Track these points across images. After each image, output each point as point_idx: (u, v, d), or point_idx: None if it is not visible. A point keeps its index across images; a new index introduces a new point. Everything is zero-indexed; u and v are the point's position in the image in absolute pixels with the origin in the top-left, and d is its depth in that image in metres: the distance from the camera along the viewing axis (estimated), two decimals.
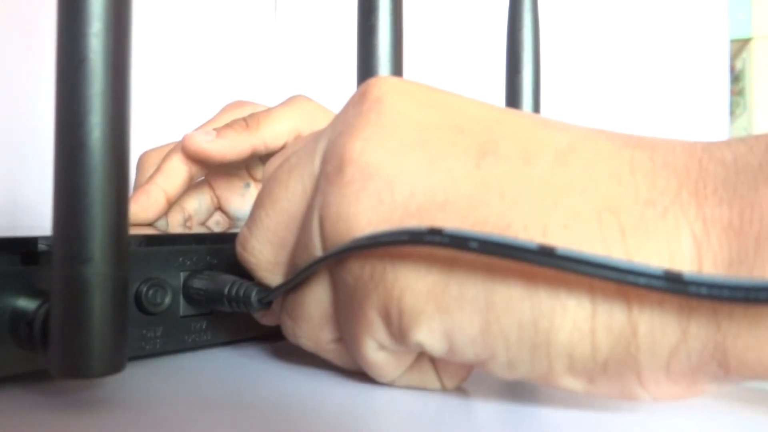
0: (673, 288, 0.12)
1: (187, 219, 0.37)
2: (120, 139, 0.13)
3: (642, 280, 0.12)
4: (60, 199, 0.13)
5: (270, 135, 0.34)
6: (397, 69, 0.22)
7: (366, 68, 0.22)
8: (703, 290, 0.12)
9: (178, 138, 0.35)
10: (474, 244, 0.13)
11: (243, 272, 0.21)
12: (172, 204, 0.34)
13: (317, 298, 0.17)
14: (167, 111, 0.49)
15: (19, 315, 0.15)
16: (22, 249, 0.17)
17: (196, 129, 0.35)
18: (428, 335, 0.15)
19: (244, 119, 0.35)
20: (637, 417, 0.16)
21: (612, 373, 0.14)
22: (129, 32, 0.13)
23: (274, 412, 0.16)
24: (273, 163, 0.20)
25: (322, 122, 0.35)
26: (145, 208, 0.32)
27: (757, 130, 1.06)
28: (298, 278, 0.17)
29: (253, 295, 0.18)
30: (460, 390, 0.18)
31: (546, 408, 0.16)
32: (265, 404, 0.16)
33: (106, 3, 0.13)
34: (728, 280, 0.12)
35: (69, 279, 0.13)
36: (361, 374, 0.18)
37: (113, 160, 0.13)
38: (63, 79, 0.13)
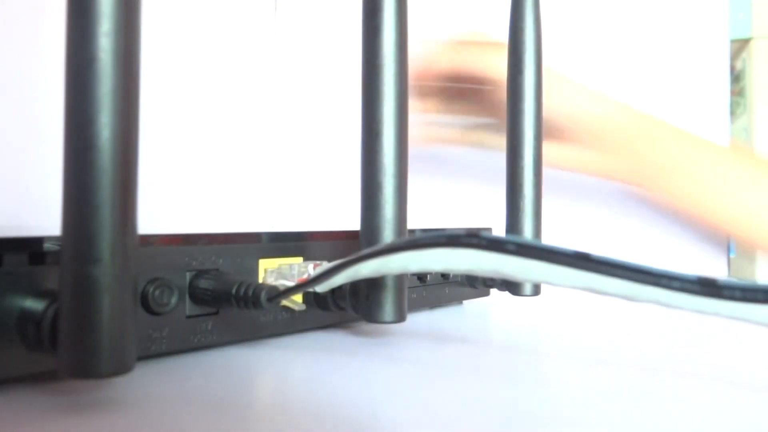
0: (707, 292, 0.12)
1: None
2: (130, 139, 0.13)
3: (675, 284, 0.12)
4: (70, 199, 0.13)
5: None
6: (402, 70, 0.22)
7: (370, 69, 0.22)
8: (737, 294, 0.12)
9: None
10: (511, 247, 0.13)
11: (248, 273, 0.21)
12: None
13: None
14: (165, 111, 0.49)
15: (26, 315, 0.15)
16: (29, 249, 0.17)
17: None
18: None
19: None
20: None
21: None
22: (138, 31, 0.13)
23: (281, 413, 0.16)
24: None
25: None
26: None
27: (757, 130, 1.06)
28: (317, 279, 0.17)
29: (263, 295, 0.18)
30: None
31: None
32: (271, 404, 0.16)
33: (116, 2, 0.13)
34: (760, 285, 0.12)
35: (79, 279, 0.13)
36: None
37: (123, 160, 0.13)
38: (73, 78, 0.13)
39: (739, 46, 1.06)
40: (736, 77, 1.09)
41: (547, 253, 0.13)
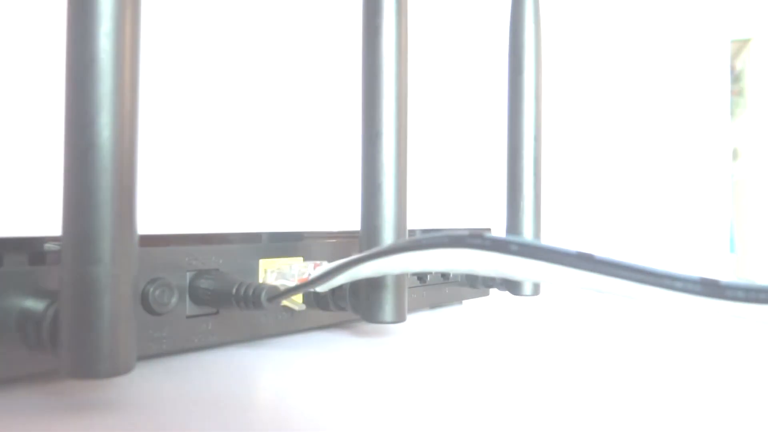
0: (710, 292, 0.12)
1: None
2: (130, 139, 0.13)
3: (678, 285, 0.12)
4: (70, 199, 0.13)
5: None
6: (402, 70, 0.22)
7: (371, 69, 0.22)
8: (740, 294, 0.12)
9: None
10: (514, 247, 0.13)
11: (248, 273, 0.21)
12: None
13: None
14: (166, 111, 0.49)
15: (27, 315, 0.15)
16: (29, 249, 0.17)
17: None
18: None
19: None
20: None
21: None
22: (139, 32, 0.13)
23: (281, 413, 0.16)
24: None
25: None
26: None
27: (757, 130, 1.06)
28: (317, 279, 0.17)
29: (263, 295, 0.18)
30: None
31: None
32: (271, 404, 0.16)
33: (116, 2, 0.13)
34: (762, 285, 0.12)
35: (79, 280, 0.13)
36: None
37: (123, 160, 0.13)
38: (73, 78, 0.13)
39: (739, 46, 1.06)
40: (736, 77, 1.09)
41: (550, 253, 0.13)
